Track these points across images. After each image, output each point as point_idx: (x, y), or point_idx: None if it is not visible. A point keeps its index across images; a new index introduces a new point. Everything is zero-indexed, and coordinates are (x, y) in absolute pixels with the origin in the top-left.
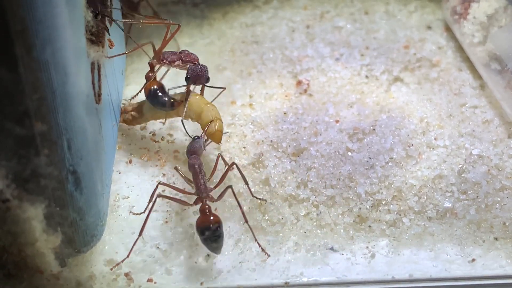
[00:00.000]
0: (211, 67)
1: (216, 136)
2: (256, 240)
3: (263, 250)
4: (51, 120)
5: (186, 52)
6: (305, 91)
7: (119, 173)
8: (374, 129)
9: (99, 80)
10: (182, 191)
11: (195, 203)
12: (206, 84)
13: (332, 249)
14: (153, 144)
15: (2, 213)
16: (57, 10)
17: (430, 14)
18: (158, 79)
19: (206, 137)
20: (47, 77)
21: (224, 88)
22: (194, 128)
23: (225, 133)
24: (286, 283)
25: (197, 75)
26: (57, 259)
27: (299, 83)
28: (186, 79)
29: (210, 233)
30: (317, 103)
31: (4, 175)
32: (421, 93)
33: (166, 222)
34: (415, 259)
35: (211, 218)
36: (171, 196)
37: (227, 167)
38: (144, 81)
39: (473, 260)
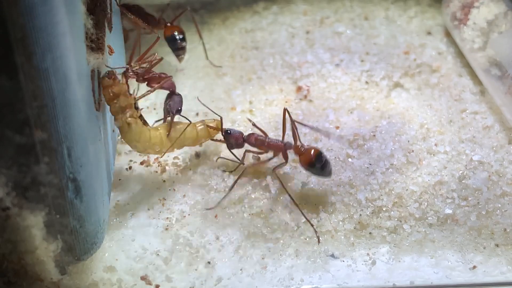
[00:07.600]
0: (211, 72)
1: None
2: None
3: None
4: (51, 128)
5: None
6: (305, 97)
7: (119, 179)
8: (374, 135)
9: (99, 87)
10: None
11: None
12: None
13: (332, 256)
14: None
15: (2, 221)
16: (57, 18)
17: (430, 19)
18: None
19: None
20: (47, 85)
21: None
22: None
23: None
24: None
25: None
26: (57, 267)
27: (299, 89)
28: (177, 111)
29: (319, 162)
30: (317, 109)
31: (4, 183)
32: (421, 99)
33: (167, 229)
34: (416, 266)
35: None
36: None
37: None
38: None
39: (474, 267)
